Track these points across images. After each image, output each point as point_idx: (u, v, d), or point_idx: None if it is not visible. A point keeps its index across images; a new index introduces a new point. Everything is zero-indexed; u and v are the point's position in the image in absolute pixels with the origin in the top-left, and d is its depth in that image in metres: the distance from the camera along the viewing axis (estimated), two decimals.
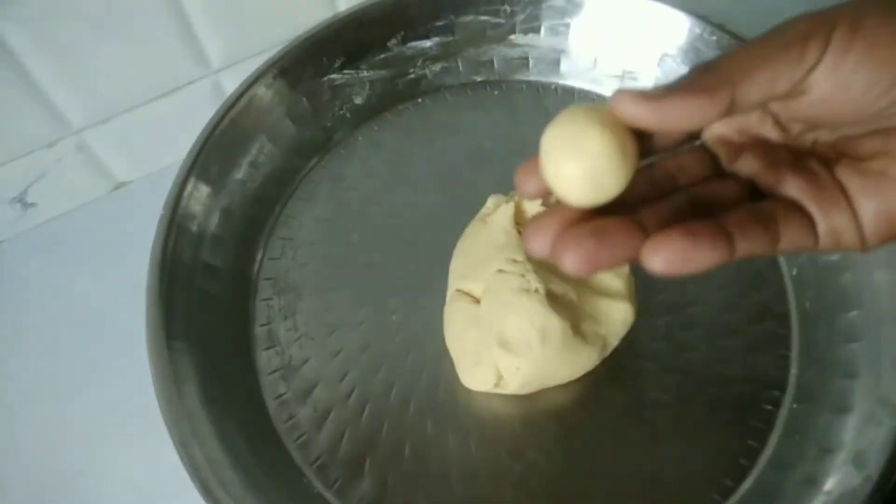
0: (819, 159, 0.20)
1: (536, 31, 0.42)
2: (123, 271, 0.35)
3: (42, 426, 0.35)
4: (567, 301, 0.31)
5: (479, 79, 0.43)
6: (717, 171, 0.21)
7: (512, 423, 0.32)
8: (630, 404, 0.33)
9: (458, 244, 0.35)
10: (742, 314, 0.35)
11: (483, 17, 0.42)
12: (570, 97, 0.42)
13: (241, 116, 0.38)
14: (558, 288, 0.31)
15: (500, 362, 0.31)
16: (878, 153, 0.19)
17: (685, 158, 0.21)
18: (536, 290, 0.30)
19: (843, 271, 0.34)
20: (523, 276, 0.31)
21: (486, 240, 0.33)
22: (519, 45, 0.43)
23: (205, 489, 0.28)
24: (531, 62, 0.43)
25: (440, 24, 0.42)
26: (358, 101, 0.42)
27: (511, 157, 0.40)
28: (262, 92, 0.38)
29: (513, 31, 0.42)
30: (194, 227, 0.35)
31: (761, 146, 0.21)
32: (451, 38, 0.42)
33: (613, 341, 0.32)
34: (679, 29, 0.40)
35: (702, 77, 0.18)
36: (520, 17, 0.42)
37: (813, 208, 0.19)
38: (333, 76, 0.41)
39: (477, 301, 0.32)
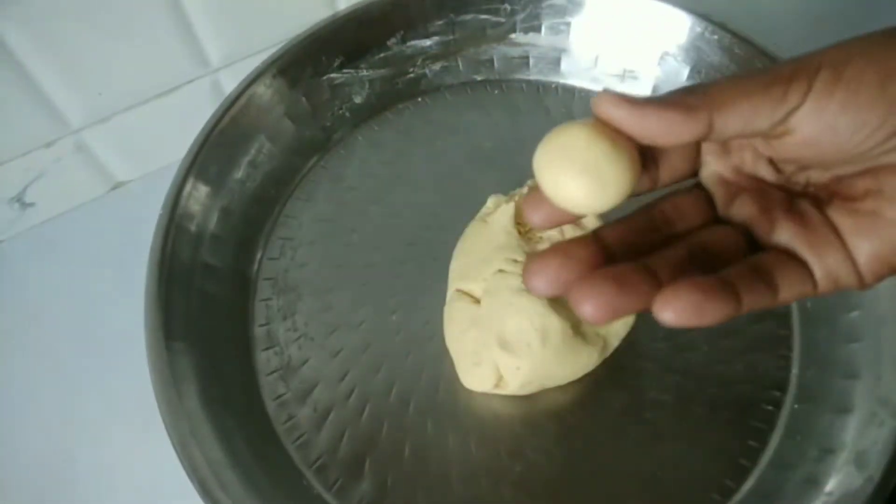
0: (812, 200, 0.20)
1: (537, 29, 0.42)
2: (122, 271, 0.35)
3: (40, 426, 0.34)
4: (567, 301, 0.31)
5: (479, 78, 0.43)
6: (714, 213, 0.22)
7: (512, 424, 0.32)
8: (630, 404, 0.32)
9: (458, 244, 0.35)
10: (743, 314, 0.35)
11: (483, 16, 0.42)
12: (571, 96, 0.42)
13: (241, 116, 0.38)
14: None
15: (500, 362, 0.31)
16: (869, 192, 0.19)
17: (682, 200, 0.22)
18: None
19: None
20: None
21: (486, 240, 0.33)
22: (519, 44, 0.43)
23: (204, 490, 0.28)
24: (531, 61, 0.43)
25: (440, 22, 0.42)
26: (357, 100, 0.42)
27: (511, 157, 0.40)
28: (262, 91, 0.38)
29: (513, 30, 0.42)
30: (193, 227, 0.35)
31: (756, 188, 0.21)
32: (451, 37, 0.42)
33: (614, 342, 0.32)
34: (680, 28, 0.40)
35: (684, 97, 0.18)
36: (520, 16, 0.42)
37: (807, 254, 0.20)
38: (333, 75, 0.41)
39: (477, 301, 0.32)
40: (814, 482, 0.29)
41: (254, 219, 0.38)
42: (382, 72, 0.42)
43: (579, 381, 0.32)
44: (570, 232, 0.32)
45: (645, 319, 0.33)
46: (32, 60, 0.34)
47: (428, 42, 0.42)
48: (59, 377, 0.36)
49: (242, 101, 0.38)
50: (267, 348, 0.35)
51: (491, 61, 0.43)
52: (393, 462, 0.31)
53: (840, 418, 0.31)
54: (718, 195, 0.22)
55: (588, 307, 0.18)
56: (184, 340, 0.32)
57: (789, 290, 0.19)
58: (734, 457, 0.31)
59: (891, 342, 0.31)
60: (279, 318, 0.35)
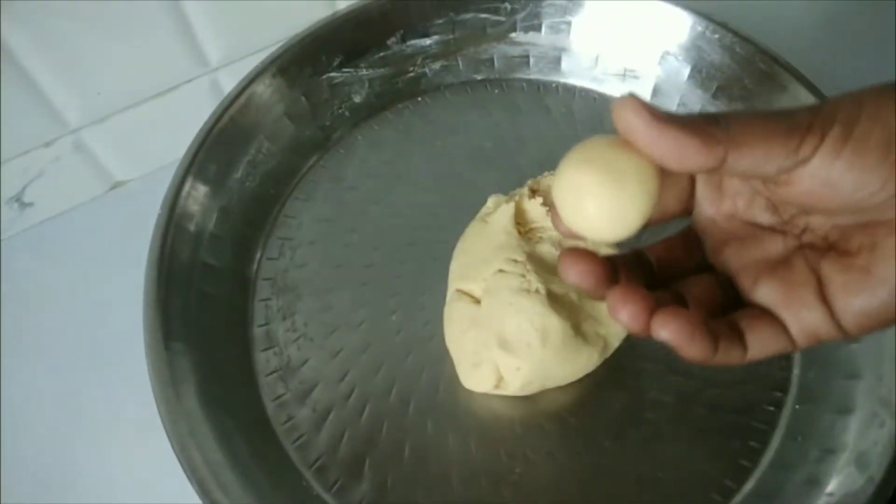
0: (807, 249, 0.21)
1: (537, 29, 0.42)
2: (121, 271, 0.35)
3: (39, 426, 0.34)
4: (568, 301, 0.31)
5: (479, 77, 0.43)
6: (703, 257, 0.22)
7: (512, 424, 0.32)
8: (631, 405, 0.32)
9: (458, 244, 0.34)
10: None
11: (483, 15, 0.42)
12: (572, 96, 0.42)
13: (240, 115, 0.37)
14: (559, 288, 0.31)
15: (501, 363, 0.31)
16: (862, 248, 0.20)
17: (673, 241, 0.23)
18: (537, 291, 0.30)
19: None
20: (524, 276, 0.30)
21: (486, 240, 0.33)
22: (519, 44, 0.42)
23: (203, 490, 0.28)
24: (532, 60, 0.43)
25: (440, 22, 0.42)
26: (357, 99, 0.42)
27: (511, 157, 0.40)
28: (261, 90, 0.38)
29: (513, 29, 0.42)
30: (192, 227, 0.35)
31: (749, 236, 0.22)
32: (451, 37, 0.42)
33: (614, 342, 0.32)
34: (681, 27, 0.40)
35: (709, 126, 0.18)
36: (520, 15, 0.42)
37: (782, 311, 0.20)
38: (332, 75, 0.41)
39: (477, 301, 0.32)
40: (815, 483, 0.29)
41: (253, 219, 0.38)
42: (382, 71, 0.42)
43: (580, 381, 0.32)
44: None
45: None
46: (31, 60, 0.34)
47: (428, 41, 0.42)
48: (58, 377, 0.36)
49: (242, 100, 0.37)
50: (266, 349, 0.34)
51: (491, 60, 0.43)
52: (393, 463, 0.31)
53: (841, 419, 0.31)
54: (709, 241, 0.22)
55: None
56: (183, 340, 0.32)
57: (759, 346, 0.20)
58: (735, 457, 0.31)
59: (892, 343, 0.31)
60: (278, 318, 0.35)
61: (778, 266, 0.21)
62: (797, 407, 0.32)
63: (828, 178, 0.18)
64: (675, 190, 0.22)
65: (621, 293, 0.19)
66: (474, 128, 0.41)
